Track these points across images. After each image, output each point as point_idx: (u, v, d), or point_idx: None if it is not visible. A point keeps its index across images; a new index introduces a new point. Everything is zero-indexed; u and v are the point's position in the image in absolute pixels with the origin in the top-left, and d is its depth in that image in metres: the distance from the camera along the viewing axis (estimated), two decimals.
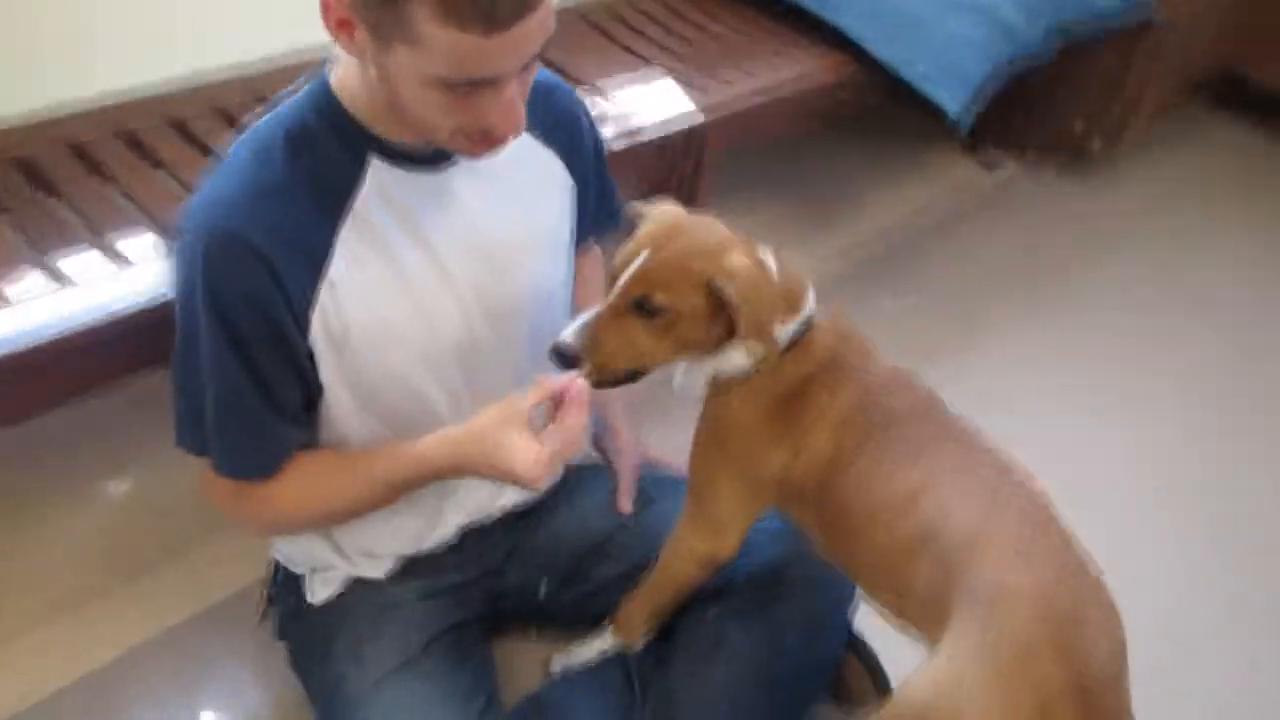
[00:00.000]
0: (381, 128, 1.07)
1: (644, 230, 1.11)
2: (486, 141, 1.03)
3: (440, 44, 0.89)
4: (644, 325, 1.09)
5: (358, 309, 1.08)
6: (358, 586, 1.29)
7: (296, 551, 1.30)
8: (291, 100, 1.09)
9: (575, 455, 1.13)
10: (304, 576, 1.30)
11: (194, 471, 1.15)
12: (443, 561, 1.31)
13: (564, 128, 1.24)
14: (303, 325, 1.07)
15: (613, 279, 1.10)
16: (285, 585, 1.34)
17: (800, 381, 1.14)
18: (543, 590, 1.38)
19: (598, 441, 1.46)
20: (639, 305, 1.08)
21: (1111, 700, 0.96)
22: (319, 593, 1.29)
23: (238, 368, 1.06)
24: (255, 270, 1.02)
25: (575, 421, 1.06)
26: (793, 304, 1.14)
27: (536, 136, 1.21)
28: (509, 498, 1.33)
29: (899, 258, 2.51)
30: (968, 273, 2.51)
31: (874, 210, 2.65)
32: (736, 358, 1.14)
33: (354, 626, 1.25)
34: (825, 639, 1.33)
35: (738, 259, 1.08)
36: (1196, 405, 2.20)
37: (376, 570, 1.29)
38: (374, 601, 1.27)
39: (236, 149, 1.07)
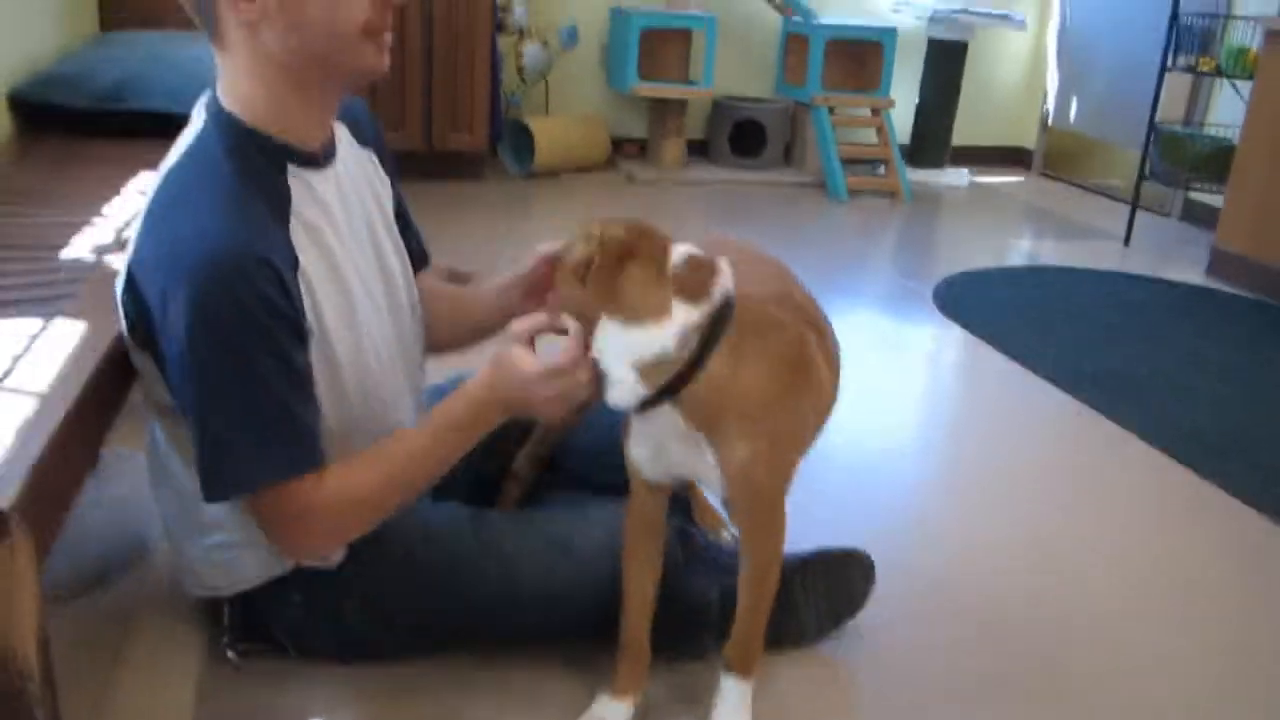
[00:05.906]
0: (285, 134, 1.21)
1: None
2: (383, 36, 1.19)
3: None
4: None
5: (321, 293, 1.22)
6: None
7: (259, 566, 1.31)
8: (197, 135, 1.20)
9: (579, 385, 1.20)
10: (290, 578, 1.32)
11: None
12: None
13: (365, 128, 1.42)
14: (302, 314, 1.18)
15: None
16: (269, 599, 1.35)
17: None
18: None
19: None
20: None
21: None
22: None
23: (279, 372, 1.14)
24: (270, 278, 1.12)
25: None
26: (697, 291, 1.19)
27: (353, 137, 1.38)
28: None
29: None
30: None
31: None
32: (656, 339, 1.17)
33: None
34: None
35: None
36: None
37: None
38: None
39: (177, 189, 1.16)
